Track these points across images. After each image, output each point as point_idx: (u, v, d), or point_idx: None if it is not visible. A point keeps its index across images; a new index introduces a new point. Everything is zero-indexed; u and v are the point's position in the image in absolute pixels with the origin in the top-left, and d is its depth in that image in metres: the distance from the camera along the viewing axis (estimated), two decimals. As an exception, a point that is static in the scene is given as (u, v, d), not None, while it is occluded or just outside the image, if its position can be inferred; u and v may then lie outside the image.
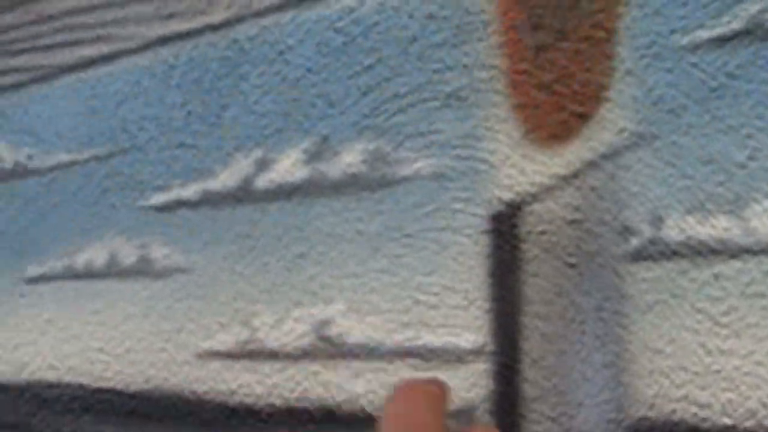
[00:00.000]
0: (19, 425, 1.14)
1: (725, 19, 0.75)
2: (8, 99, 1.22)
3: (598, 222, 0.79)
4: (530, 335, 0.81)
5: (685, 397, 0.74)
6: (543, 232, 0.81)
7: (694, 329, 0.74)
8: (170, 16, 1.07)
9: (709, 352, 0.74)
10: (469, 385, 0.83)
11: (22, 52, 1.20)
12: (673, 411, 0.74)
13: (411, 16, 0.90)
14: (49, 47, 1.17)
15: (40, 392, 1.13)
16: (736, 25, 0.75)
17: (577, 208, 0.80)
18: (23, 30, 1.20)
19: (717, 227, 0.74)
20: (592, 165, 0.79)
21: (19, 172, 1.19)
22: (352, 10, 0.94)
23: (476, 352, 0.83)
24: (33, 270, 1.16)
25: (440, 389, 0.57)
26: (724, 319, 0.73)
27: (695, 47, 0.77)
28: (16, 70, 1.21)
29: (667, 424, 0.74)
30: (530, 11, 0.84)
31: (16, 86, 1.21)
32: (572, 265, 0.79)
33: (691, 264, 0.75)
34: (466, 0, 0.87)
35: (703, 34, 0.76)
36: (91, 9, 1.14)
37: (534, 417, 0.80)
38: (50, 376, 1.12)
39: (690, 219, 0.75)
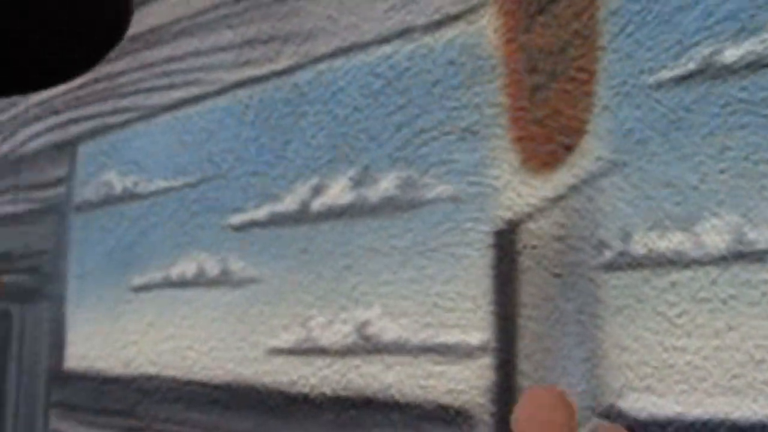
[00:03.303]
0: (126, 412, 1.35)
1: (683, 60, 0.88)
2: (117, 135, 1.43)
3: (578, 238, 0.92)
4: (524, 335, 0.94)
5: (647, 388, 0.87)
6: (534, 247, 0.95)
7: (654, 329, 0.87)
8: (245, 63, 1.25)
9: (666, 349, 0.86)
10: (476, 377, 0.97)
11: (128, 94, 1.41)
12: (637, 400, 0.87)
13: (435, 62, 1.05)
14: (149, 90, 1.37)
15: (142, 384, 1.34)
16: (692, 66, 0.87)
17: (562, 226, 0.93)
18: (129, 75, 1.41)
19: (673, 241, 0.86)
20: (574, 189, 0.93)
21: (126, 198, 1.40)
22: (388, 57, 1.10)
23: (482, 349, 0.97)
24: (137, 280, 1.36)
25: (565, 395, 0.57)
26: (679, 321, 0.86)
27: (659, 86, 0.89)
28: (125, 110, 1.42)
29: (631, 411, 0.87)
30: (528, 56, 0.98)
31: (123, 124, 1.42)
32: (557, 275, 0.93)
33: (652, 273, 0.87)
34: (478, 47, 1.02)
35: (666, 74, 0.89)
36: (183, 57, 1.34)
37: (528, 404, 0.93)
38: (150, 370, 1.32)
39: (652, 234, 0.88)
